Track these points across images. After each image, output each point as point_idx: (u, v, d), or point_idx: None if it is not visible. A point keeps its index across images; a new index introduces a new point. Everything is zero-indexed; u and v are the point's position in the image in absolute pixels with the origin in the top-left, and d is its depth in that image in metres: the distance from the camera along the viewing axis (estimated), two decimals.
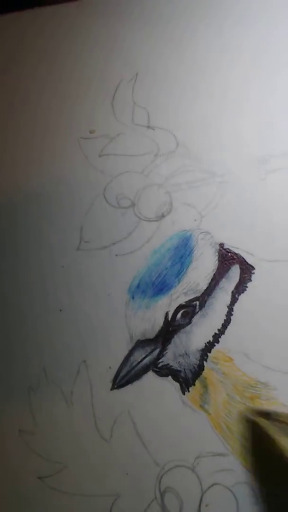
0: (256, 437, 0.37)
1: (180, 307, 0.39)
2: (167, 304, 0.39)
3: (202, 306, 0.40)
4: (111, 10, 0.49)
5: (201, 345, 0.39)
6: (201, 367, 0.39)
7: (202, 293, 0.40)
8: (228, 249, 0.41)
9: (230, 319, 0.40)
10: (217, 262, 0.41)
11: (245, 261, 0.41)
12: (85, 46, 0.48)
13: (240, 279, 0.41)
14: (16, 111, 0.47)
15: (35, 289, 0.42)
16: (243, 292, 0.40)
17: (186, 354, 0.39)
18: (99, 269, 0.42)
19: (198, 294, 0.40)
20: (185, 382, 0.39)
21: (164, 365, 0.39)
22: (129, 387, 0.39)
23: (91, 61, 0.48)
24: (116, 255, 0.42)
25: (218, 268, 0.41)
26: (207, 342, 0.39)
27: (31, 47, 0.49)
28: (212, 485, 0.36)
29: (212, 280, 0.40)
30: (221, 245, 0.41)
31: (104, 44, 0.48)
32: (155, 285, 0.40)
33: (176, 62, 0.47)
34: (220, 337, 0.39)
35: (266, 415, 0.37)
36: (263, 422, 0.37)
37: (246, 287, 0.40)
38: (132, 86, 0.46)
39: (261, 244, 0.41)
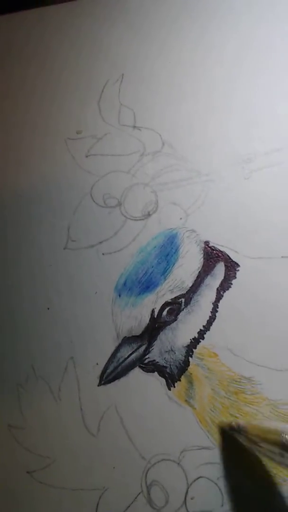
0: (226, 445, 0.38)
1: (166, 304, 0.40)
2: (153, 302, 0.40)
3: (187, 303, 0.40)
4: (97, 12, 0.49)
5: (187, 341, 0.40)
6: (186, 363, 0.39)
7: (188, 291, 0.41)
8: (213, 246, 0.42)
9: (215, 316, 0.40)
10: (202, 259, 0.42)
11: (230, 258, 0.42)
12: (72, 47, 0.49)
13: (225, 276, 0.41)
14: (5, 113, 0.47)
15: (24, 287, 0.42)
16: (228, 289, 0.41)
17: (171, 350, 0.40)
18: (86, 267, 0.42)
19: (184, 292, 0.41)
20: (170, 378, 0.39)
21: (150, 361, 0.40)
22: (116, 383, 0.39)
23: (78, 63, 0.48)
24: (103, 254, 0.42)
25: (203, 266, 0.41)
26: (193, 339, 0.40)
27: (19, 49, 0.49)
28: (198, 478, 0.37)
29: (197, 277, 0.41)
30: (207, 243, 0.42)
31: (91, 46, 0.48)
32: (142, 283, 0.41)
33: (162, 63, 0.47)
34: (205, 333, 0.40)
35: (236, 428, 0.37)
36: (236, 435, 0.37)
37: (231, 284, 0.41)
38: (118, 87, 0.47)
39: (245, 242, 0.42)
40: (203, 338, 0.40)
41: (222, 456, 0.37)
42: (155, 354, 0.40)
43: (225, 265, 0.41)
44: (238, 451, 0.37)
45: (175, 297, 0.40)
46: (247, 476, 0.37)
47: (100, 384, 0.39)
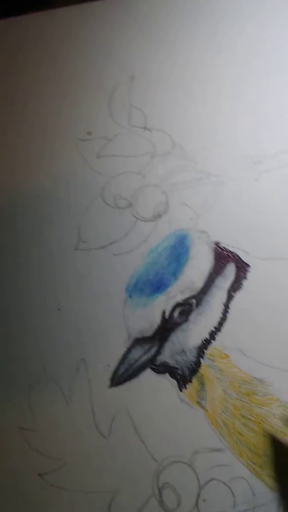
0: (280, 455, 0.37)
1: (177, 305, 0.40)
2: (164, 303, 0.40)
3: (198, 304, 0.40)
4: (107, 14, 0.50)
5: (198, 342, 0.40)
6: (197, 364, 0.39)
7: (199, 291, 0.41)
8: (224, 247, 0.42)
9: (226, 317, 0.40)
10: (213, 260, 0.42)
11: (241, 259, 0.42)
12: (82, 50, 0.49)
13: (235, 277, 0.41)
14: (16, 114, 0.47)
15: (35, 288, 0.42)
16: (238, 290, 0.41)
17: (183, 351, 0.40)
18: (97, 268, 0.42)
19: (195, 292, 0.40)
20: (182, 379, 0.39)
21: (162, 362, 0.40)
22: (127, 384, 0.39)
23: (89, 65, 0.48)
24: (114, 255, 0.42)
25: (214, 267, 0.41)
26: (204, 340, 0.40)
27: (30, 51, 0.49)
28: (209, 480, 0.37)
29: (208, 278, 0.41)
30: (217, 243, 0.42)
31: (101, 48, 0.49)
32: (153, 284, 0.41)
33: (172, 64, 0.48)
34: (216, 334, 0.40)
35: None
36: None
37: (242, 285, 0.41)
38: (128, 88, 0.47)
39: (256, 243, 0.42)
40: (214, 339, 0.40)
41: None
42: (166, 356, 0.40)
43: (235, 266, 0.41)
44: None
45: (186, 298, 0.40)
46: None
47: (111, 385, 0.39)
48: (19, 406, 0.39)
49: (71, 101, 0.47)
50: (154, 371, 0.39)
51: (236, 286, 0.41)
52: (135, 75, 0.47)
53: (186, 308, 0.40)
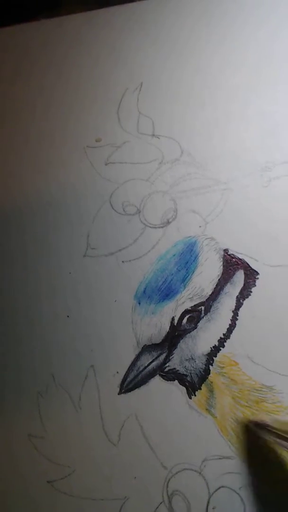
0: (251, 444, 0.37)
1: (185, 312, 0.40)
2: (173, 309, 0.40)
3: (207, 311, 0.40)
4: (114, 21, 0.50)
5: (207, 349, 0.40)
6: (207, 372, 0.39)
7: (207, 298, 0.41)
8: (233, 254, 0.42)
9: (235, 324, 0.40)
10: (221, 267, 0.42)
11: (249, 266, 0.42)
12: (90, 57, 0.49)
13: (244, 284, 0.41)
14: (24, 121, 0.47)
15: (43, 295, 0.42)
16: (247, 297, 0.41)
17: (192, 358, 0.40)
18: (106, 275, 0.42)
19: (204, 299, 0.40)
20: (191, 386, 0.39)
21: (171, 369, 0.40)
22: (136, 391, 0.39)
23: (97, 72, 0.48)
24: (123, 261, 0.42)
25: (223, 273, 0.41)
26: (213, 347, 0.40)
27: (37, 58, 0.49)
28: (219, 488, 0.37)
29: (217, 285, 0.41)
30: (226, 250, 0.42)
31: (109, 55, 0.49)
32: (161, 291, 0.41)
33: (180, 71, 0.48)
34: (225, 341, 0.40)
35: (263, 426, 0.37)
36: (260, 432, 0.37)
37: (251, 291, 0.41)
38: (137, 95, 0.47)
39: (264, 250, 0.42)
40: (223, 346, 0.40)
41: (244, 459, 0.37)
42: (175, 363, 0.40)
43: (244, 273, 0.41)
44: (262, 452, 0.37)
45: (195, 305, 0.40)
46: (271, 480, 0.36)
47: (120, 392, 0.39)
48: (28, 413, 0.39)
49: (79, 108, 0.47)
50: (163, 378, 0.39)
51: (245, 293, 0.41)
52: (143, 81, 0.48)
53: (195, 315, 0.40)
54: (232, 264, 0.42)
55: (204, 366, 0.40)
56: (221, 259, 0.42)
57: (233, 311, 0.41)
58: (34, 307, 0.42)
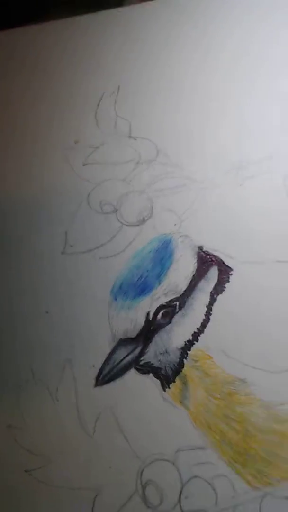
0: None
1: (160, 307, 0.40)
2: (148, 305, 0.40)
3: (182, 306, 0.41)
4: (94, 27, 0.51)
5: (181, 343, 0.40)
6: (181, 365, 0.40)
7: (182, 294, 0.41)
8: (207, 251, 0.43)
9: (209, 319, 0.41)
10: (196, 264, 0.42)
11: (223, 263, 0.42)
12: (70, 62, 0.50)
13: (218, 280, 0.42)
14: (6, 124, 0.49)
15: (24, 292, 0.43)
16: (221, 292, 0.41)
17: (166, 352, 0.40)
18: (84, 271, 0.43)
19: (178, 295, 0.41)
20: (165, 379, 0.40)
21: (146, 363, 0.40)
22: (111, 384, 0.40)
23: (76, 76, 0.50)
24: (100, 258, 0.43)
25: (197, 270, 0.42)
26: (187, 341, 0.40)
27: (19, 63, 0.51)
28: (192, 477, 0.37)
29: (191, 281, 0.42)
30: (200, 247, 0.43)
31: (88, 60, 0.50)
32: (137, 286, 0.41)
33: (157, 75, 0.49)
34: (199, 335, 0.40)
35: None
36: None
37: (224, 287, 0.42)
38: (114, 98, 0.48)
39: (239, 247, 0.42)
40: (197, 341, 0.40)
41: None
42: (150, 356, 0.40)
43: (218, 269, 0.42)
44: None
45: (169, 300, 0.41)
46: None
47: (96, 385, 0.40)
48: (8, 405, 0.40)
49: (59, 111, 0.48)
50: (138, 371, 0.40)
51: (219, 288, 0.42)
52: (121, 85, 0.49)
53: (169, 310, 0.41)
54: (206, 260, 0.42)
55: (178, 359, 0.40)
56: (196, 256, 0.42)
57: (207, 306, 0.41)
58: (15, 303, 0.43)
